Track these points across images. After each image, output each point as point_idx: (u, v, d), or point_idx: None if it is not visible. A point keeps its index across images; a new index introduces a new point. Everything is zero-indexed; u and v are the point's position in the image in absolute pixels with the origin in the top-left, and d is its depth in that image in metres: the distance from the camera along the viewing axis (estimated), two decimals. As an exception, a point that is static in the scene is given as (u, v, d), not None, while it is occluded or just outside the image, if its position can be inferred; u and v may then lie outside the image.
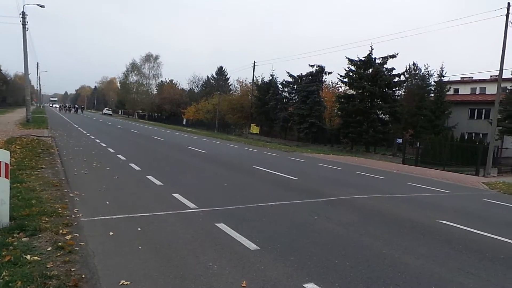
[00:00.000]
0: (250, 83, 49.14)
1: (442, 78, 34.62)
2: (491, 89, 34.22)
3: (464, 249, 5.57)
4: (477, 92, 39.62)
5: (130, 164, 11.47)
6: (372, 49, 32.96)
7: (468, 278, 4.43)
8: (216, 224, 5.66)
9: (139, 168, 10.75)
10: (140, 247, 4.52)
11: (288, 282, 3.85)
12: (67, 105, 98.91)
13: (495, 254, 5.46)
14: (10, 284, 3.18)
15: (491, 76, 34.78)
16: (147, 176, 9.46)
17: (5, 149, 4.93)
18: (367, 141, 32.08)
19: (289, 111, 39.51)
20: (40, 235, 4.48)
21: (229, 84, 68.85)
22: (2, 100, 73.70)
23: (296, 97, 39.98)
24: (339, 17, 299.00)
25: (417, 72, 41.07)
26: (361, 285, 3.92)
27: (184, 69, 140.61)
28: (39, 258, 3.82)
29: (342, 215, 7.13)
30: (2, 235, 4.29)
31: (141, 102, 76.66)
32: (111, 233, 4.93)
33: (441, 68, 34.99)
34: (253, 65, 46.60)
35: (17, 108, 68.63)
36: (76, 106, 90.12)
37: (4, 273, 3.39)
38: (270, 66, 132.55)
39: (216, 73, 72.28)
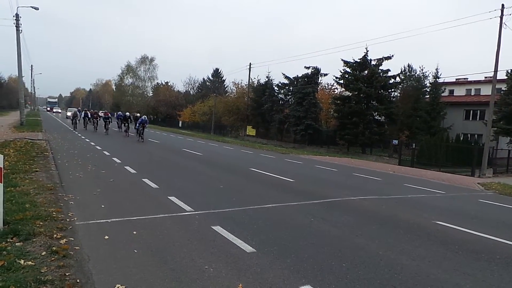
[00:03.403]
0: (246, 85, 49.21)
1: (437, 79, 34.83)
2: (486, 90, 34.52)
3: (460, 250, 5.58)
4: (472, 93, 39.91)
5: (125, 167, 11.41)
6: (367, 51, 33.11)
7: (464, 278, 4.43)
8: (212, 227, 5.63)
9: (134, 171, 10.69)
10: (135, 251, 4.49)
11: (285, 285, 3.83)
12: (89, 111, 39.91)
13: (491, 255, 5.48)
14: (3, 289, 3.14)
15: (485, 77, 35.09)
16: (143, 179, 9.41)
17: (-2, 152, 4.88)
18: (363, 142, 32.17)
19: (285, 113, 39.55)
20: (34, 240, 4.43)
21: (225, 86, 68.92)
22: (-4, 103, 73.28)
23: (292, 99, 40.02)
24: (335, 19, 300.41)
25: (412, 73, 41.26)
26: (358, 287, 3.92)
27: (180, 71, 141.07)
28: (33, 263, 3.78)
29: (338, 216, 7.13)
30: (-5, 240, 4.24)
31: (137, 104, 76.43)
32: (106, 237, 4.89)
33: (436, 69, 35.09)
34: (249, 67, 46.71)
35: (11, 111, 68.22)
36: (103, 113, 39.97)
37: (-3, 278, 3.35)
38: (266, 68, 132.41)
39: (212, 75, 72.27)
